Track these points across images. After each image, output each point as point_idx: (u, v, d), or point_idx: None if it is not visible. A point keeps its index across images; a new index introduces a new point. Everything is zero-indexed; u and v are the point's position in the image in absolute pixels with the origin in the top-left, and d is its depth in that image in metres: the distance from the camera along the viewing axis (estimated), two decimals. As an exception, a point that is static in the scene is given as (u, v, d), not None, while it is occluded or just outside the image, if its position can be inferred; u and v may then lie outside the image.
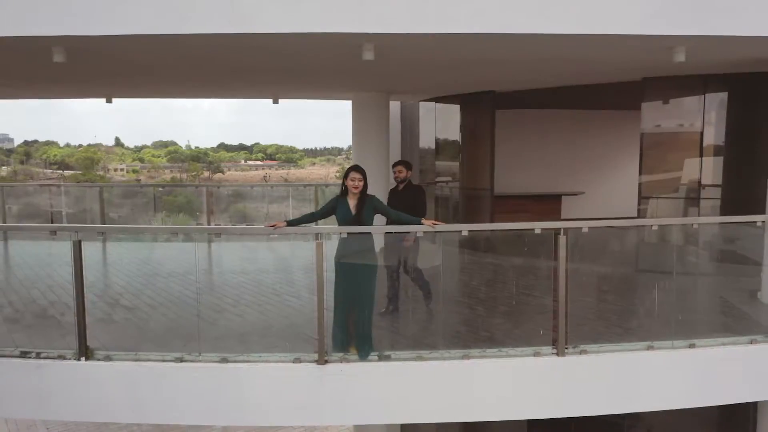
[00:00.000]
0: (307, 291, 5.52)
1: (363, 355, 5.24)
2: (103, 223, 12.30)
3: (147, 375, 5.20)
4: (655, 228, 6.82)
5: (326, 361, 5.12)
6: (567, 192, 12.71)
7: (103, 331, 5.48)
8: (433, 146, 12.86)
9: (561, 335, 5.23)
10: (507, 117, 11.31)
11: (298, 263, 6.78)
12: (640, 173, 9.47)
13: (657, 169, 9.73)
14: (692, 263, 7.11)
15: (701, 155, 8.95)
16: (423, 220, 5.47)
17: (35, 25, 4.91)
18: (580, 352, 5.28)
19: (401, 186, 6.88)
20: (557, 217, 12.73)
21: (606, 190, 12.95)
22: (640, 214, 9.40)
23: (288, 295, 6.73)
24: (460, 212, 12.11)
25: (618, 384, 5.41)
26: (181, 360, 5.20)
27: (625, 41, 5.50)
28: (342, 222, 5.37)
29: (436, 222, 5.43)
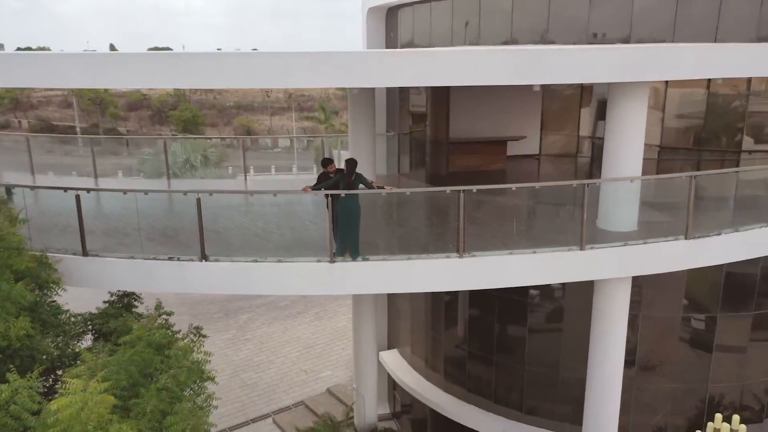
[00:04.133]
0: (321, 220, 9.87)
1: (354, 258, 9.72)
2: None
3: (237, 268, 9.69)
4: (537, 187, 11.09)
5: (334, 261, 9.59)
6: (511, 137, 16.82)
7: (210, 246, 9.90)
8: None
9: (461, 247, 9.68)
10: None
11: (314, 205, 11.11)
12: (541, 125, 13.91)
13: (555, 121, 14.09)
14: (558, 202, 11.48)
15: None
16: (386, 187, 9.81)
17: None
18: (471, 256, 9.76)
19: (331, 173, 10.66)
20: (503, 156, 16.93)
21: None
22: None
23: (309, 222, 11.14)
24: (428, 154, 16.36)
25: (492, 273, 9.93)
26: (255, 261, 9.69)
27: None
28: (343, 187, 9.71)
29: (390, 187, 9.78)
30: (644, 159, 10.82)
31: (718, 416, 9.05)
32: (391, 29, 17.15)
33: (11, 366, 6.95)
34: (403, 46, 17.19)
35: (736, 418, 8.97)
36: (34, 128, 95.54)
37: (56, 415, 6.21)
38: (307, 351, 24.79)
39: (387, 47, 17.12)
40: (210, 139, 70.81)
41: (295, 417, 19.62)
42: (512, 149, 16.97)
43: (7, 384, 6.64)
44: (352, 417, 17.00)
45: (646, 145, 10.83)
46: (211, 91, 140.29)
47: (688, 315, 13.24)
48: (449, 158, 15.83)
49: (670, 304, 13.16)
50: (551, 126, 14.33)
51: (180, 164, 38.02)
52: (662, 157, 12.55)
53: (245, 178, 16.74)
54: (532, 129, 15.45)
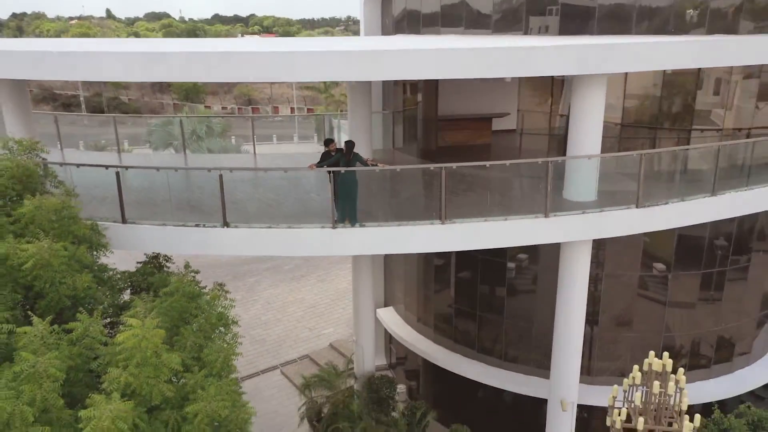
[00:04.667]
0: (323, 192, 11.60)
1: (353, 224, 11.49)
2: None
3: (254, 233, 11.46)
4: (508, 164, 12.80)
5: (335, 227, 11.37)
6: (495, 113, 18.42)
7: (229, 214, 11.65)
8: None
9: (443, 215, 11.44)
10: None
11: (317, 179, 12.83)
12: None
13: (530, 101, 15.70)
14: (527, 176, 13.19)
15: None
16: (379, 164, 11.52)
17: None
18: (452, 222, 11.53)
19: (333, 151, 12.40)
20: (489, 132, 18.56)
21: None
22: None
23: (314, 194, 12.88)
24: (419, 130, 18.00)
25: (469, 236, 11.71)
26: (269, 227, 11.46)
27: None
28: (343, 164, 11.42)
29: (382, 165, 11.50)
30: (609, 135, 12.52)
31: (652, 353, 10.89)
32: (386, 14, 18.57)
33: (80, 310, 8.78)
34: (397, 24, 18.58)
35: (668, 360, 10.79)
36: (36, 97, 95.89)
37: (121, 345, 8.07)
38: (311, 310, 26.84)
39: (382, 29, 18.56)
40: (216, 117, 71.89)
41: (300, 368, 21.69)
42: (496, 125, 18.61)
43: (80, 322, 8.50)
44: (353, 367, 18.96)
45: (611, 123, 12.51)
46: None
47: (645, 273, 15.10)
48: (439, 134, 17.49)
49: (630, 265, 15.01)
50: (527, 105, 15.96)
51: (187, 135, 39.53)
52: (623, 134, 14.24)
53: (254, 152, 18.38)
54: (514, 107, 17.08)
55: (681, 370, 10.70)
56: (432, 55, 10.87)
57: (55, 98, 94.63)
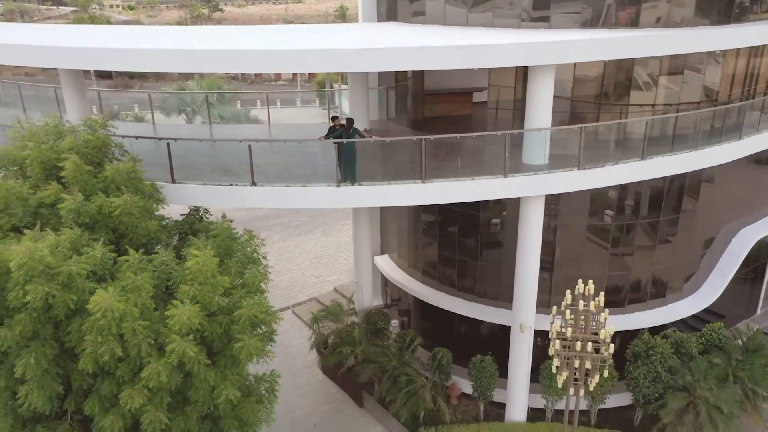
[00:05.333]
0: (329, 158, 14.80)
1: (353, 183, 14.71)
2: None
3: (275, 190, 14.66)
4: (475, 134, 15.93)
5: (339, 186, 14.59)
6: (475, 88, 21.34)
7: (256, 175, 14.85)
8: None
9: (423, 176, 14.64)
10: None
11: (324, 147, 15.96)
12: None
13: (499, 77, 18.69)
14: (494, 145, 16.33)
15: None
16: (373, 136, 14.67)
17: None
18: (430, 182, 14.74)
19: (337, 126, 15.52)
20: (469, 104, 21.53)
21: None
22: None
23: (320, 158, 16.03)
24: (409, 103, 21.02)
25: (444, 192, 14.93)
26: (287, 185, 14.69)
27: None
28: (345, 137, 14.59)
29: (376, 137, 14.66)
30: (561, 110, 15.59)
31: (580, 281, 14.24)
32: (380, 1, 21.36)
33: (156, 246, 12.08)
34: (389, 11, 21.36)
35: (591, 286, 14.14)
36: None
37: (189, 269, 11.40)
38: (317, 260, 30.35)
39: (377, 17, 21.39)
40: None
41: (308, 308, 25.25)
42: (474, 98, 21.60)
43: (157, 254, 11.83)
44: (353, 307, 22.46)
45: (563, 97, 15.55)
46: (211, 18, 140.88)
47: (591, 223, 18.39)
48: (425, 106, 20.53)
49: (579, 216, 18.28)
50: (497, 81, 18.96)
51: (199, 102, 42.41)
52: (573, 109, 17.34)
53: (269, 122, 21.44)
54: (486, 83, 20.03)
55: (602, 293, 14.10)
56: (412, 53, 13.93)
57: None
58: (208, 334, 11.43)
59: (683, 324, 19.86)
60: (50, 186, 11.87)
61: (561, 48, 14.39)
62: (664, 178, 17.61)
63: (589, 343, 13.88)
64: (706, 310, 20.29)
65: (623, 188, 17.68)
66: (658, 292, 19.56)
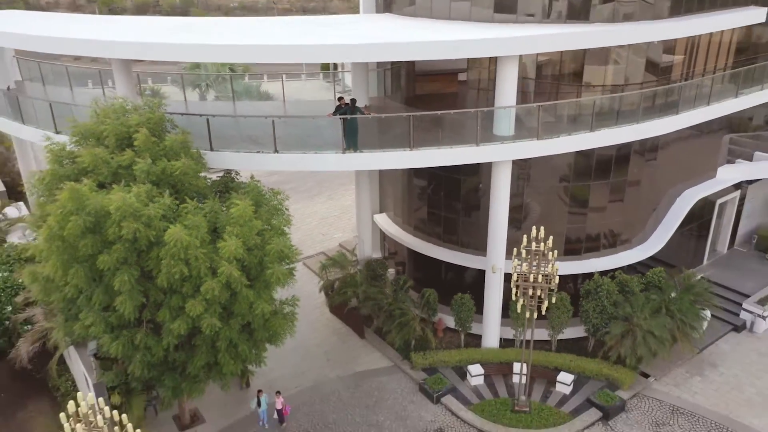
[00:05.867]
0: (335, 131, 18.51)
1: (355, 151, 18.45)
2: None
3: (294, 156, 18.40)
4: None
5: (344, 153, 18.34)
6: (459, 69, 24.82)
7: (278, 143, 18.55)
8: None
9: (411, 145, 18.36)
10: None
11: (332, 122, 19.61)
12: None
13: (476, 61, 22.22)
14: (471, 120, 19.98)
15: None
16: (372, 113, 18.36)
17: None
18: (417, 149, 18.46)
19: (343, 105, 19.19)
20: (455, 82, 25.03)
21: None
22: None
23: (329, 130, 19.71)
24: (402, 82, 24.60)
25: (427, 158, 18.66)
26: (303, 153, 18.43)
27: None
28: (348, 114, 18.29)
29: (373, 114, 18.38)
30: (526, 90, 19.22)
31: (533, 228, 18.04)
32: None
33: (203, 199, 15.87)
34: (385, 2, 24.79)
35: (542, 233, 17.97)
36: None
37: (231, 215, 15.23)
38: (323, 221, 34.26)
39: (376, 8, 24.83)
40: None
41: (317, 260, 29.16)
42: (459, 77, 25.11)
43: (206, 203, 15.65)
44: (356, 258, 26.39)
45: (529, 78, 19.21)
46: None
47: (554, 185, 22.15)
48: (417, 85, 24.11)
49: (545, 179, 22.02)
50: (475, 63, 22.49)
51: (213, 78, 45.85)
52: (537, 88, 20.95)
53: (284, 99, 25.07)
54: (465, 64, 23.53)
55: (551, 238, 17.96)
56: (403, 47, 17.54)
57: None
58: (247, 263, 15.31)
59: (635, 270, 23.75)
60: (126, 152, 15.64)
61: (520, 42, 18.00)
62: (615, 147, 21.25)
63: (540, 276, 17.83)
64: (658, 259, 24.16)
65: (581, 155, 21.35)
66: (610, 242, 23.41)
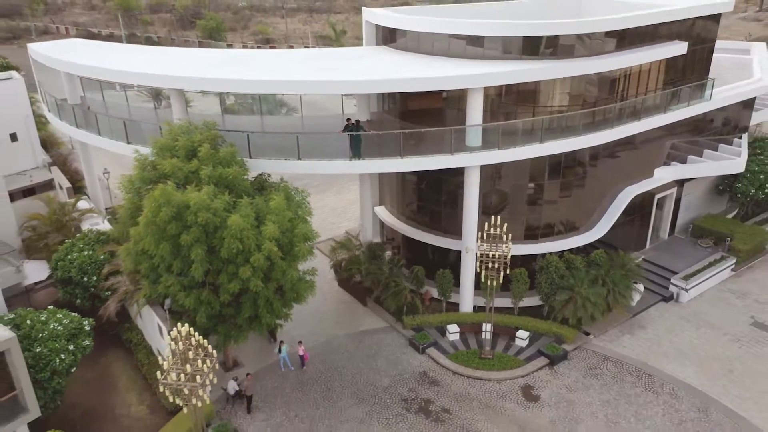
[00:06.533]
0: (344, 143, 24.46)
1: (359, 158, 24.41)
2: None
3: (313, 162, 24.40)
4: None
5: (351, 160, 24.33)
6: (443, 89, 30.65)
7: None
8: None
9: (401, 154, 24.30)
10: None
11: (341, 137, 25.51)
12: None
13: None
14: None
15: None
16: (370, 131, 24.35)
17: None
18: (408, 157, 24.41)
19: (350, 124, 25.14)
20: (440, 99, 30.87)
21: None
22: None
23: (339, 143, 25.61)
24: (396, 100, 30.49)
25: (414, 164, 24.64)
26: (320, 160, 24.41)
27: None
28: (354, 131, 24.28)
29: (372, 132, 24.37)
30: (492, 109, 25.22)
31: (492, 217, 23.98)
32: (378, 30, 30.62)
33: (242, 197, 21.85)
34: (383, 37, 30.57)
35: (498, 221, 23.91)
36: (81, 35, 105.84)
37: (270, 207, 21.23)
38: (333, 211, 40.29)
39: (375, 41, 30.73)
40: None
41: (327, 244, 35.22)
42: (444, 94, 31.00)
43: (252, 200, 21.66)
44: (359, 241, 32.43)
45: (494, 95, 25.19)
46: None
47: (516, 183, 28.11)
48: (408, 102, 29.99)
49: (508, 179, 27.96)
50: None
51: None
52: (500, 108, 26.85)
53: (301, 114, 30.98)
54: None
55: (506, 224, 23.96)
56: (395, 83, 23.47)
57: (93, 37, 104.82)
58: (281, 242, 21.26)
59: (585, 252, 29.72)
60: (193, 162, 21.66)
61: (482, 78, 23.92)
62: (564, 153, 27.11)
63: (497, 254, 23.86)
64: (607, 243, 30.11)
65: (536, 160, 27.22)
66: (561, 230, 29.38)
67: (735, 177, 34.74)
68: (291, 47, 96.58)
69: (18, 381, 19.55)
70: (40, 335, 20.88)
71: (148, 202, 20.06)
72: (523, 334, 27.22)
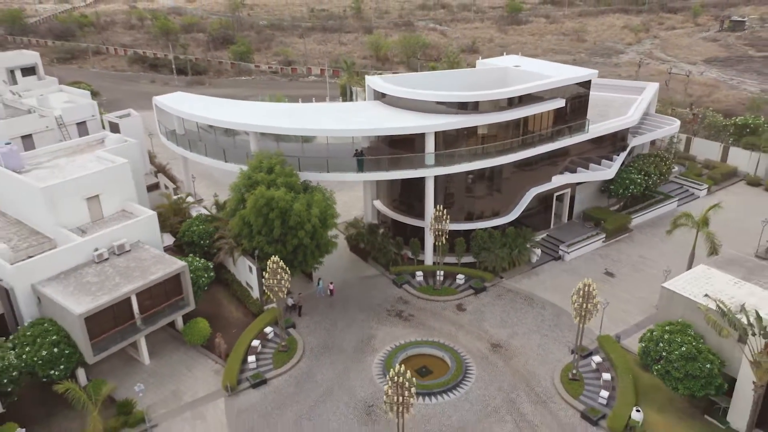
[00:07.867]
0: (353, 162, 42.47)
1: (363, 172, 42.49)
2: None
3: (335, 174, 42.56)
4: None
5: (358, 172, 42.49)
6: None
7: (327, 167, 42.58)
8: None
9: (387, 168, 42.35)
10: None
11: (352, 159, 43.50)
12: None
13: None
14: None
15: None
16: (368, 157, 42.61)
17: None
18: (391, 171, 42.51)
19: (357, 152, 43.19)
20: (414, 132, 48.88)
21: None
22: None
23: (350, 162, 43.59)
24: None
25: (394, 174, 42.75)
26: (340, 172, 42.58)
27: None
28: (359, 155, 42.49)
29: (369, 155, 42.66)
30: (446, 141, 43.43)
31: (438, 206, 41.81)
32: (376, 93, 48.64)
33: (299, 193, 39.90)
34: (377, 93, 48.44)
35: (441, 209, 41.78)
36: (131, 59, 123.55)
37: (314, 199, 39.41)
38: (345, 204, 58.26)
39: (374, 96, 48.85)
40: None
41: (342, 225, 53.32)
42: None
43: (302, 195, 39.89)
44: (363, 223, 50.61)
45: (452, 133, 43.36)
46: (244, 5, 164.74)
47: (463, 184, 46.17)
48: (392, 136, 47.95)
49: (458, 182, 46.00)
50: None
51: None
52: (452, 139, 44.99)
53: (327, 142, 49.05)
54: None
55: (446, 210, 42.16)
56: (383, 130, 41.64)
57: (144, 60, 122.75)
58: (320, 218, 39.37)
59: (503, 229, 47.67)
60: (272, 174, 39.93)
61: (431, 127, 41.99)
62: (487, 168, 45.00)
63: (440, 228, 42.09)
64: (523, 224, 48.00)
65: (470, 172, 45.02)
66: (488, 215, 47.36)
67: (611, 181, 52.58)
68: (309, 70, 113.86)
69: (185, 289, 37.88)
70: (192, 266, 39.18)
71: (252, 197, 38.29)
72: (461, 277, 45.31)
